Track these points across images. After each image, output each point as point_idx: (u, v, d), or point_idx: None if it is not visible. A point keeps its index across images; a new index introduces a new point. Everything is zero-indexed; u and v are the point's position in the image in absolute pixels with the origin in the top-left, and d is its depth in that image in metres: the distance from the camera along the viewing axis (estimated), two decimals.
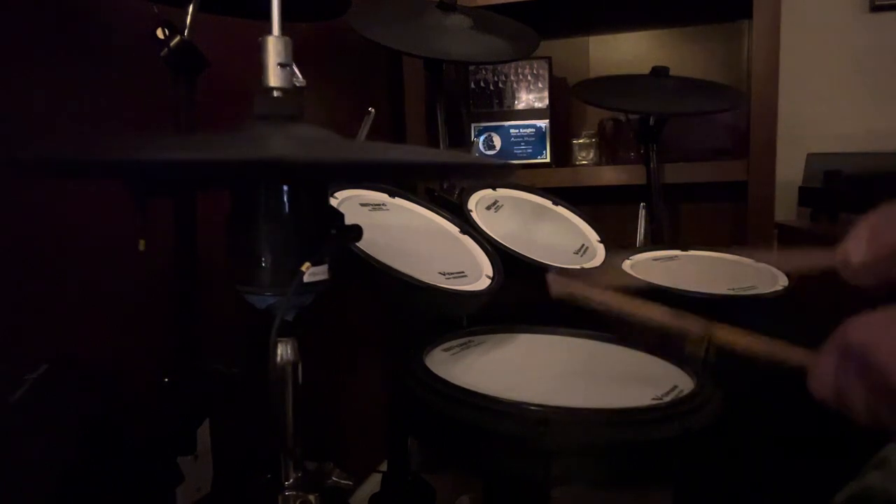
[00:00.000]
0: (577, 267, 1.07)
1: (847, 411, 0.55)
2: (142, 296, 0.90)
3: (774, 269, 1.15)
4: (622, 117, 1.66)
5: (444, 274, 0.86)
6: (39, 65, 0.80)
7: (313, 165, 0.47)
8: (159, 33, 0.78)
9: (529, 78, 1.68)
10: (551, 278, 0.72)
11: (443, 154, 0.94)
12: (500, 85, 1.69)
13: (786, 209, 1.64)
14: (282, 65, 0.59)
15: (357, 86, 1.59)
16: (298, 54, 0.62)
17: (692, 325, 0.65)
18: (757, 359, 0.61)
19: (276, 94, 0.59)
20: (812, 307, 1.07)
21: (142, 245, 0.56)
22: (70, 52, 0.84)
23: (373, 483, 1.11)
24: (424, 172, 0.54)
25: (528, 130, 1.67)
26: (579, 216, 1.24)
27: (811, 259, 0.71)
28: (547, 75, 1.67)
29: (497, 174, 0.62)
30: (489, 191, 1.18)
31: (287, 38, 0.60)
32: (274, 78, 0.59)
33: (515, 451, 0.68)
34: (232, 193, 0.61)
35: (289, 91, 0.60)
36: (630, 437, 0.66)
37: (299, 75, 0.61)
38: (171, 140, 0.60)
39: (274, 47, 0.59)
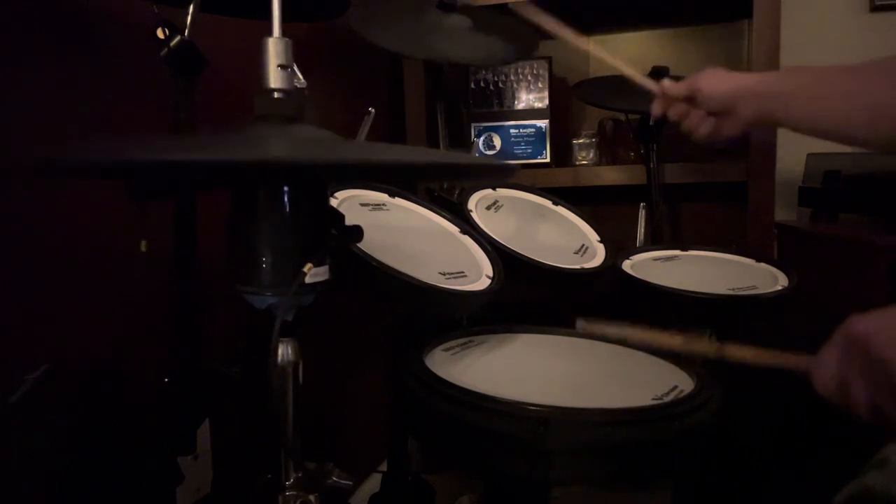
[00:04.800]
0: (579, 267, 1.06)
1: (849, 407, 0.55)
2: (142, 296, 0.90)
3: (774, 269, 1.15)
4: (622, 117, 1.66)
5: (444, 274, 0.86)
6: (39, 64, 0.80)
7: (311, 166, 0.47)
8: (159, 33, 0.78)
9: (529, 78, 1.67)
10: (580, 325, 0.79)
11: (442, 155, 0.94)
12: (500, 85, 1.69)
13: (786, 209, 1.64)
14: (282, 66, 0.59)
15: (357, 86, 1.59)
16: (298, 55, 0.62)
17: (705, 348, 0.69)
18: (766, 369, 0.63)
19: (276, 95, 0.60)
20: (812, 307, 1.07)
21: (143, 246, 0.56)
22: (70, 51, 0.84)
23: (373, 483, 1.11)
24: (423, 173, 0.54)
25: (528, 130, 1.67)
26: (579, 216, 1.23)
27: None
28: (547, 75, 1.67)
29: (497, 174, 0.62)
30: (489, 191, 1.18)
31: (287, 40, 0.60)
32: (274, 79, 0.59)
33: (515, 451, 0.68)
34: (232, 193, 0.61)
35: (289, 92, 0.60)
36: (630, 437, 0.66)
37: (300, 76, 0.61)
38: (170, 141, 0.60)
39: (274, 48, 0.59)
